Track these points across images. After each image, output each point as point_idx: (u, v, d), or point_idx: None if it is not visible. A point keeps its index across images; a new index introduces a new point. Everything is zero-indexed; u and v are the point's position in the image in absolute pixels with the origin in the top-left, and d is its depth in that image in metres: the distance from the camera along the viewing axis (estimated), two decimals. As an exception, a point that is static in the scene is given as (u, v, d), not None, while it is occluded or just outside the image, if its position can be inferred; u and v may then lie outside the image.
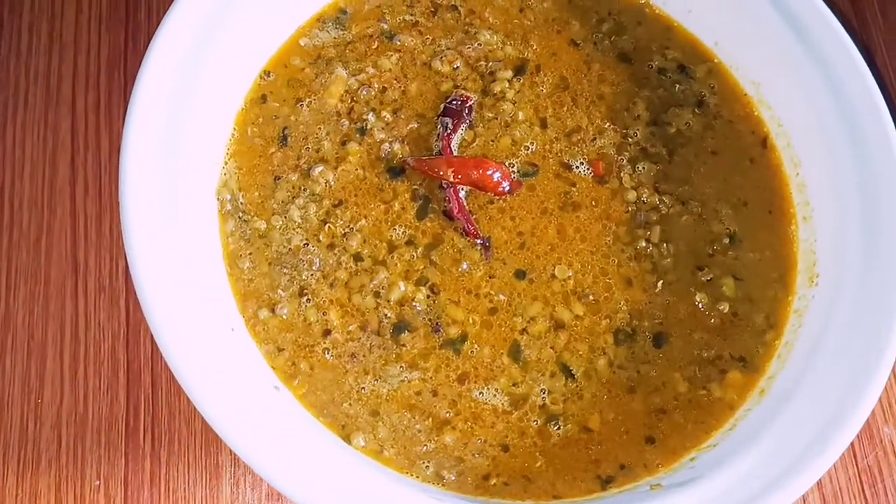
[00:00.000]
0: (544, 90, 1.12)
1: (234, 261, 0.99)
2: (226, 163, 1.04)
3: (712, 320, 1.04)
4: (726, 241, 1.07)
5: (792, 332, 1.03)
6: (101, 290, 1.14)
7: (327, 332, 0.99)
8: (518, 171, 1.07)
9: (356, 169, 1.05)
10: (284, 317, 0.99)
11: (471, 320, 1.00)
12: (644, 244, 1.06)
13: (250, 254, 1.00)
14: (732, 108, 1.15)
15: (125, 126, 0.89)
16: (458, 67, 1.11)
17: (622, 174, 1.09)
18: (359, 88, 1.08)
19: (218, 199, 1.02)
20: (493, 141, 1.09)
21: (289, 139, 1.05)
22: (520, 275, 1.02)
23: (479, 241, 1.02)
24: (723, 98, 1.16)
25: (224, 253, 1.00)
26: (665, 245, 1.06)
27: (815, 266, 1.04)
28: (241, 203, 1.02)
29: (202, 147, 0.99)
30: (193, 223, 0.95)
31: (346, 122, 1.06)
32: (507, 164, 1.07)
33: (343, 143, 1.06)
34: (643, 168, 1.09)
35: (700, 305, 1.04)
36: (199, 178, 0.98)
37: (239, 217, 1.01)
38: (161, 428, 1.09)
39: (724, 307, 1.04)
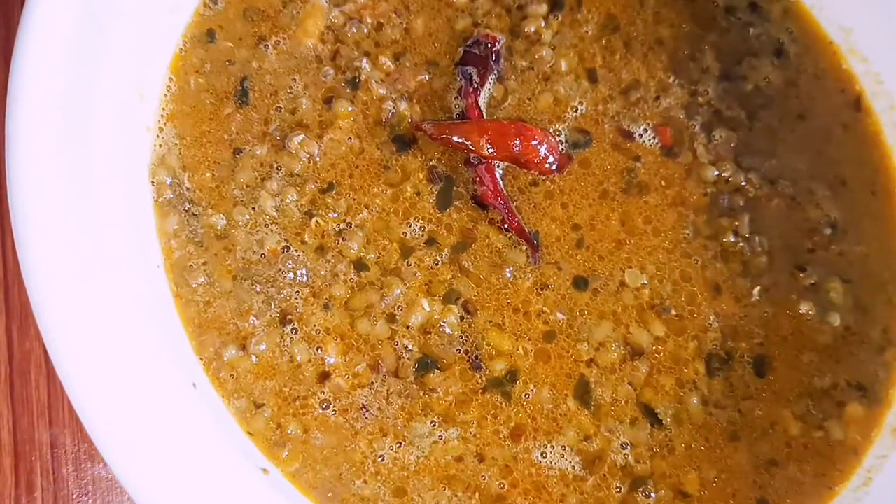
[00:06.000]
0: (589, 32, 0.95)
1: (182, 275, 0.82)
2: (161, 129, 0.85)
3: (822, 337, 0.90)
4: (827, 231, 0.93)
5: (922, 351, 0.90)
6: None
7: (325, 377, 0.83)
8: (567, 141, 0.91)
9: (349, 138, 0.88)
10: (260, 356, 0.82)
11: (521, 350, 0.85)
12: (732, 238, 0.91)
13: (205, 263, 0.83)
14: (817, 59, 0.99)
15: (10, 75, 0.71)
16: (476, -3, 0.93)
17: (696, 144, 0.93)
18: (345, 24, 0.91)
19: (153, 182, 0.84)
20: (530, 99, 0.92)
21: (250, 95, 0.88)
22: (580, 283, 0.88)
23: (524, 238, 0.87)
24: (804, 46, 0.99)
25: (166, 263, 0.82)
26: (757, 238, 0.91)
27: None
28: (188, 188, 0.85)
29: (124, 105, 0.81)
30: (117, 219, 0.77)
31: (331, 72, 0.90)
32: (552, 130, 0.91)
33: (328, 102, 0.89)
34: (720, 136, 0.94)
35: (807, 318, 0.89)
36: (122, 151, 0.80)
37: (185, 209, 0.84)
38: (69, 510, 0.87)
39: (835, 320, 0.90)
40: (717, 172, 0.92)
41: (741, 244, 0.91)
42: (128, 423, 0.68)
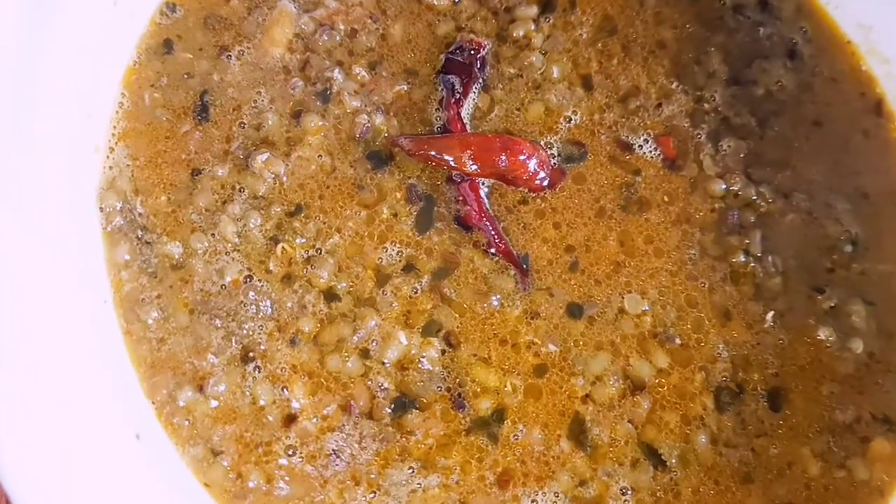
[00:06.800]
0: (584, 35, 0.94)
1: (133, 309, 0.82)
2: (111, 149, 0.84)
3: (843, 366, 0.87)
4: (847, 248, 0.91)
5: (953, 380, 0.88)
6: None
7: (291, 420, 0.81)
8: (559, 155, 0.89)
9: (319, 156, 0.87)
10: (219, 399, 0.80)
11: (509, 386, 0.84)
12: (742, 258, 0.89)
13: (158, 296, 0.82)
14: (833, 60, 0.98)
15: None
16: (460, 0, 0.93)
17: (702, 155, 0.92)
18: (316, 31, 0.91)
19: (101, 208, 0.83)
20: (518, 109, 0.91)
21: (211, 110, 0.88)
22: (574, 311, 0.86)
23: (512, 262, 0.86)
24: (819, 47, 0.98)
25: (115, 297, 0.81)
26: (770, 258, 0.89)
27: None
28: (140, 214, 0.84)
29: (70, 124, 0.80)
30: (60, 249, 0.76)
31: (300, 83, 0.89)
32: (542, 143, 0.89)
33: (296, 116, 0.88)
34: (728, 146, 0.92)
35: (827, 344, 0.87)
36: (67, 174, 0.79)
37: (137, 237, 0.83)
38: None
39: (858, 346, 0.88)
40: (725, 186, 0.91)
41: (753, 264, 0.89)
42: (60, 480, 0.64)
